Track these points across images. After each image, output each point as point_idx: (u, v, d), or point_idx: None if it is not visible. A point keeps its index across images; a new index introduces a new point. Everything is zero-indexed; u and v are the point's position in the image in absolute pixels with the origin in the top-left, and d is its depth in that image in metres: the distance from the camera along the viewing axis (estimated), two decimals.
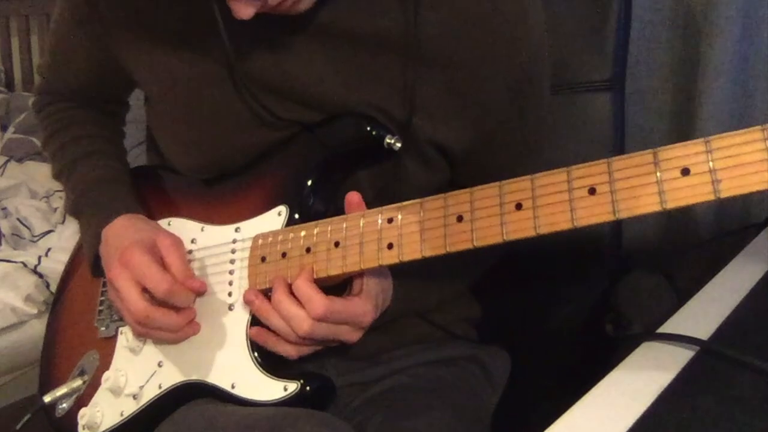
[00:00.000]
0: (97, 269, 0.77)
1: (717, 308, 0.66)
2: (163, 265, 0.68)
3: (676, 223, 1.02)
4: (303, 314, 0.60)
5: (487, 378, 0.84)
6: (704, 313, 0.65)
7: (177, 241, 0.70)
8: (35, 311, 1.33)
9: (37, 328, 1.31)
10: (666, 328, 0.63)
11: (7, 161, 1.87)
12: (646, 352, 0.60)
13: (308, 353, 0.65)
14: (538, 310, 1.03)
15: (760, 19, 0.96)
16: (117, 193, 0.79)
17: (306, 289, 0.61)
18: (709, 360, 0.57)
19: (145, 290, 0.67)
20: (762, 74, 0.97)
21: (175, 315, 0.68)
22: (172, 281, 0.66)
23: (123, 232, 0.73)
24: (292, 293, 0.62)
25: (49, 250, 1.43)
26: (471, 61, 0.68)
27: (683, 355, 0.58)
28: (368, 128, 0.67)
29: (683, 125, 1.02)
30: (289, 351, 0.64)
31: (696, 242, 1.00)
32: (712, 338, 0.60)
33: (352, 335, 0.64)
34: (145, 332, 0.70)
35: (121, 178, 0.82)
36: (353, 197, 0.64)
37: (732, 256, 0.79)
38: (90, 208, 0.78)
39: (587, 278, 1.02)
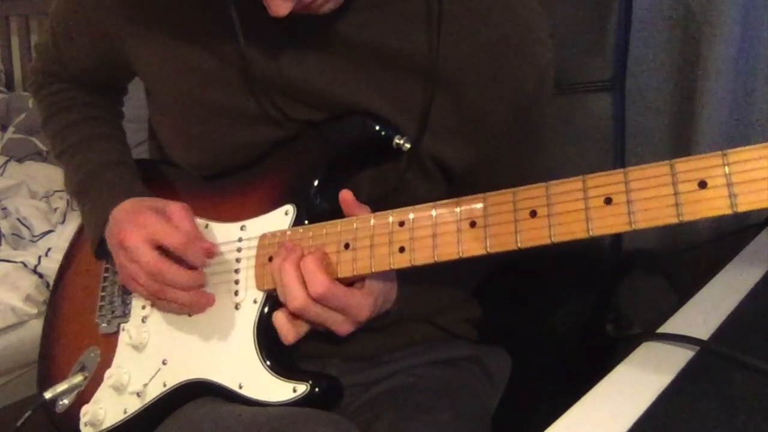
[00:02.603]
0: (101, 251, 0.76)
1: (717, 308, 0.66)
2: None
3: (676, 224, 1.02)
4: (301, 291, 0.60)
5: (488, 378, 0.84)
6: (704, 313, 0.65)
7: (185, 207, 0.70)
8: (35, 311, 1.32)
9: (37, 328, 1.29)
10: (666, 328, 0.63)
11: (7, 161, 1.87)
12: (646, 352, 0.60)
13: (302, 335, 0.64)
14: (539, 311, 1.03)
15: (760, 19, 0.96)
16: (124, 177, 0.79)
17: (312, 265, 0.60)
18: (709, 360, 0.57)
19: (156, 248, 0.67)
20: (762, 74, 0.97)
21: (186, 271, 0.68)
22: (186, 235, 0.67)
23: (131, 207, 0.73)
24: (299, 267, 0.61)
25: (49, 250, 1.43)
26: (479, 84, 0.68)
27: (683, 355, 0.58)
28: (377, 128, 0.67)
29: (683, 125, 1.02)
30: (287, 332, 0.63)
31: (696, 243, 1.00)
32: (712, 338, 0.60)
33: (343, 326, 0.63)
34: (158, 289, 0.69)
35: (126, 161, 0.82)
36: (346, 195, 0.64)
37: (732, 256, 0.79)
38: (96, 191, 0.78)
39: (587, 278, 1.02)
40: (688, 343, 0.59)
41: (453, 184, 0.75)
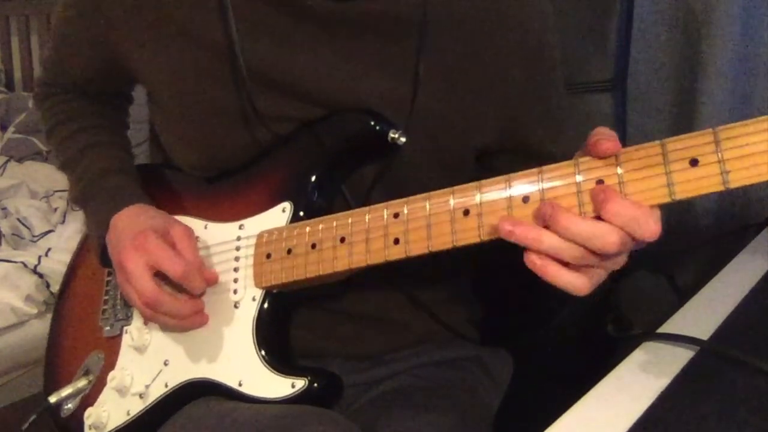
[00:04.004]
0: (105, 258, 0.77)
1: (717, 308, 0.66)
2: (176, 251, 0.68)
3: (677, 223, 1.03)
4: (608, 227, 0.48)
5: (490, 378, 0.84)
6: (704, 313, 0.65)
7: (189, 231, 0.70)
8: (35, 311, 1.33)
9: (37, 328, 1.31)
10: (666, 328, 0.63)
11: (7, 161, 1.87)
12: (646, 352, 0.60)
13: (596, 283, 0.52)
14: (539, 311, 1.03)
15: (760, 19, 0.96)
16: (126, 183, 0.79)
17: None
18: (709, 360, 0.57)
19: (156, 275, 0.67)
20: (762, 74, 0.98)
21: (183, 302, 0.68)
22: (187, 264, 0.66)
23: (134, 219, 0.72)
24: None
25: (49, 250, 1.43)
26: (483, 34, 0.67)
27: (683, 355, 0.58)
28: (372, 123, 0.67)
29: (683, 125, 1.02)
30: (576, 282, 0.51)
31: (696, 242, 1.00)
32: (712, 338, 0.60)
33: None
34: (153, 316, 0.69)
35: (129, 169, 0.82)
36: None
37: (732, 256, 0.80)
38: (98, 197, 0.78)
39: None
40: (688, 343, 0.59)
41: (488, 162, 0.74)
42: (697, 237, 1.00)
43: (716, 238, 0.99)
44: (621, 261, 0.52)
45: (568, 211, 0.50)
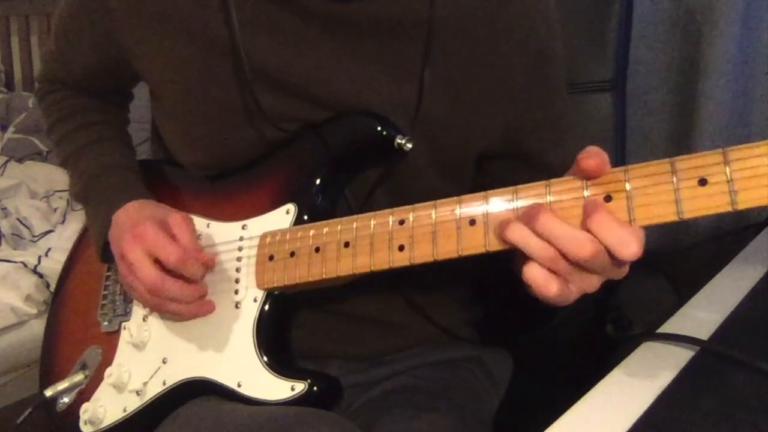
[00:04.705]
0: (106, 255, 0.77)
1: (717, 308, 0.66)
2: (173, 239, 0.68)
3: (677, 223, 1.02)
4: (586, 235, 0.48)
5: (489, 379, 0.84)
6: (704, 313, 0.65)
7: (186, 218, 0.70)
8: (35, 311, 1.33)
9: (37, 328, 1.31)
10: (666, 328, 0.63)
11: (7, 161, 1.87)
12: (646, 352, 0.60)
13: (575, 297, 0.53)
14: (539, 311, 1.03)
15: (760, 19, 0.96)
16: (127, 180, 0.79)
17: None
18: (709, 360, 0.57)
19: (156, 262, 0.67)
20: (762, 74, 0.98)
21: (187, 285, 0.68)
22: (183, 251, 0.66)
23: (134, 213, 0.73)
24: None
25: (49, 250, 1.43)
26: (487, 37, 0.67)
27: (683, 355, 0.58)
28: (378, 128, 0.67)
29: (683, 125, 1.02)
30: (552, 287, 0.50)
31: (696, 242, 1.00)
32: (712, 338, 0.60)
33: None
34: (158, 303, 0.69)
35: (130, 165, 0.82)
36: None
37: (732, 256, 0.80)
38: (99, 194, 0.78)
39: None
40: (688, 343, 0.59)
41: (490, 167, 0.73)
42: (697, 237, 1.00)
43: (716, 238, 0.99)
44: (593, 283, 0.52)
45: (552, 212, 0.50)
